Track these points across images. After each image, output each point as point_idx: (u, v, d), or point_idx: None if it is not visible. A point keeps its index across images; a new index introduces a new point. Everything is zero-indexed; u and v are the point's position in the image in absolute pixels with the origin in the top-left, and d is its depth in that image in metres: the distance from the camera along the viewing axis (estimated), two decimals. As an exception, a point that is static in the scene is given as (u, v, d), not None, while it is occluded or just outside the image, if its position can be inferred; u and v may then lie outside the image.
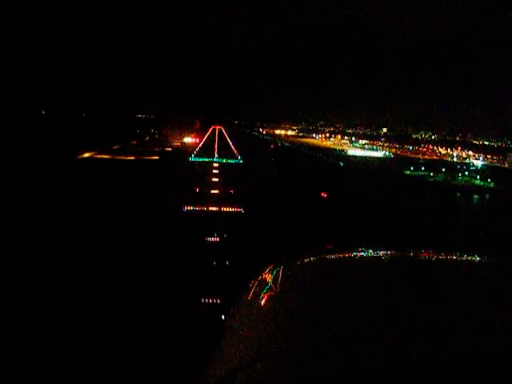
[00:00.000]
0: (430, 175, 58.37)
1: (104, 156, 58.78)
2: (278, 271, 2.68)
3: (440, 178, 56.93)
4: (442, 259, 2.92)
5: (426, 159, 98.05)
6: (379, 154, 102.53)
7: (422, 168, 64.51)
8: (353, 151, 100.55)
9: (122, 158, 58.31)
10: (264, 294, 2.46)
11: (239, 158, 62.56)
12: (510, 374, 1.58)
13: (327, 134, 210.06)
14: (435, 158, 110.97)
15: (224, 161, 57.93)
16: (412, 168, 62.41)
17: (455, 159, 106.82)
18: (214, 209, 25.15)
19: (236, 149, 79.83)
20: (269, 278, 2.63)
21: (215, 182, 38.81)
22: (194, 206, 25.84)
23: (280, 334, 2.03)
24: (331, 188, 38.22)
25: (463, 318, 1.98)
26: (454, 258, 2.95)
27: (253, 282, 2.55)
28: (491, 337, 1.81)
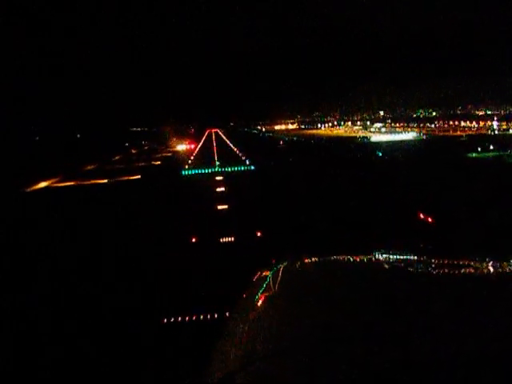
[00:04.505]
0: (508, 155, 42.27)
1: (67, 183, 43.39)
2: (277, 271, 2.65)
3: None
4: (443, 263, 2.87)
5: (469, 135, 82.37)
6: (407, 136, 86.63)
7: (491, 147, 48.54)
8: (377, 137, 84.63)
9: (91, 182, 42.95)
10: (262, 294, 2.39)
11: (248, 163, 46.75)
12: (510, 374, 1.56)
13: (335, 123, 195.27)
14: (470, 132, 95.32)
15: (229, 170, 42.08)
16: (479, 149, 46.43)
17: (497, 132, 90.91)
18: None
19: (240, 151, 64.24)
20: (267, 278, 2.59)
21: (223, 214, 22.77)
22: (185, 314, 10.10)
23: (279, 334, 1.98)
24: (413, 198, 22.93)
25: (464, 320, 1.95)
26: (455, 261, 2.86)
27: (252, 282, 2.57)
28: (492, 338, 1.78)
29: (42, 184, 42.92)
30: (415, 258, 2.96)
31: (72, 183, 43.04)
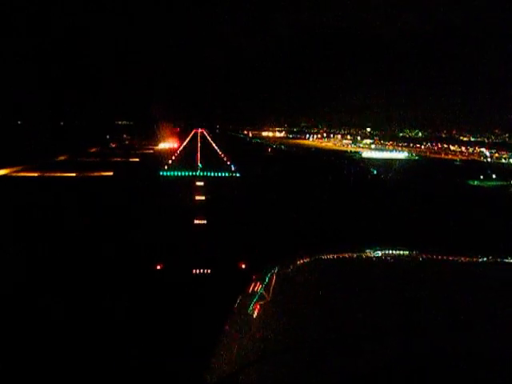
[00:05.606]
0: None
1: (28, 173, 38.67)
2: (273, 273, 2.59)
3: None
4: (437, 259, 2.82)
5: (463, 160, 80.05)
6: (400, 155, 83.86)
7: (493, 176, 45.61)
8: (368, 153, 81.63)
9: (57, 175, 38.34)
10: (261, 295, 2.36)
11: (233, 168, 42.87)
12: (510, 372, 1.54)
13: (324, 134, 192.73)
14: (462, 157, 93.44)
15: (212, 175, 38.12)
16: (481, 177, 43.43)
17: (489, 159, 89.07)
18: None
19: (225, 155, 60.29)
20: (265, 279, 2.52)
21: (200, 232, 18.61)
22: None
23: (278, 335, 1.96)
24: (422, 230, 19.35)
25: (459, 315, 1.92)
26: (448, 257, 2.81)
27: (250, 283, 2.48)
28: (493, 337, 1.76)
29: (1, 172, 38.17)
30: (409, 253, 2.91)
31: (34, 174, 38.31)
